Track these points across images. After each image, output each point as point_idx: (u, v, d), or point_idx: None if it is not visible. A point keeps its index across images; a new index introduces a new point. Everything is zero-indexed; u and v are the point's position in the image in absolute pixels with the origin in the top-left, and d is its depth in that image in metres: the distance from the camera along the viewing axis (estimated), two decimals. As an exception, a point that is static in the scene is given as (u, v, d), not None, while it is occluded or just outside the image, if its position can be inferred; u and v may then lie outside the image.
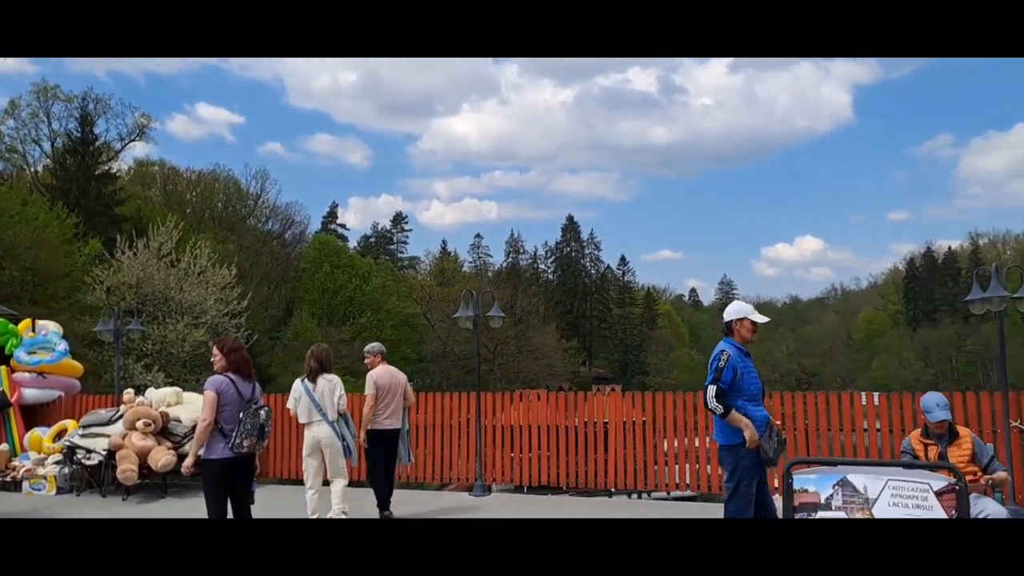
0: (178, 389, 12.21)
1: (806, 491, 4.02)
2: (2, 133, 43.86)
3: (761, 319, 6.10)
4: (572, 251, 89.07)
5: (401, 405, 8.69)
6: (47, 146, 44.96)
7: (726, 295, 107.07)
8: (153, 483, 10.86)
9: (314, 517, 7.85)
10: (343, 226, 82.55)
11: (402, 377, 8.82)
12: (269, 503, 9.08)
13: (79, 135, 42.12)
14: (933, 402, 5.95)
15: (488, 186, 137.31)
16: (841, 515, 3.92)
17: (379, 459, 8.53)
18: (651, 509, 10.02)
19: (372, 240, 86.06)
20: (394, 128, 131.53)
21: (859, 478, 3.88)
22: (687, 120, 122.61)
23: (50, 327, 13.93)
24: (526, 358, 56.40)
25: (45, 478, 11.27)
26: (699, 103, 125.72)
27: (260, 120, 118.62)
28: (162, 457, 10.37)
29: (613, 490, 11.62)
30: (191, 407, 11.13)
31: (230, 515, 6.05)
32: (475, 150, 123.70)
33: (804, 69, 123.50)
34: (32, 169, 45.04)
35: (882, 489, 3.79)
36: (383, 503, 8.51)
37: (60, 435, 11.92)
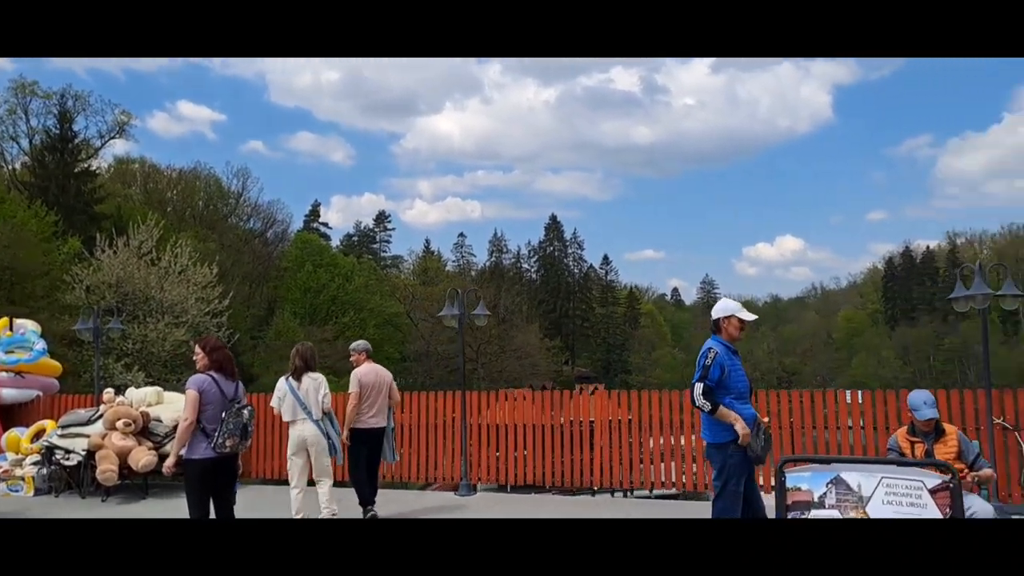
0: (159, 388, 12.08)
1: (799, 489, 3.99)
2: (-21, 130, 43.28)
3: (749, 317, 6.08)
4: (555, 250, 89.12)
5: (386, 404, 8.64)
6: (25, 143, 44.43)
7: (708, 294, 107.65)
8: (133, 484, 10.73)
9: (299, 517, 7.78)
10: (325, 225, 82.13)
11: (387, 375, 8.76)
12: (253, 503, 8.99)
13: (58, 132, 41.58)
14: (921, 400, 5.96)
15: (471, 185, 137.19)
16: (835, 514, 3.90)
17: (361, 458, 8.47)
18: (636, 508, 10.00)
19: (355, 239, 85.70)
20: (377, 127, 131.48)
21: (853, 476, 3.85)
22: (669, 120, 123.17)
23: (28, 326, 13.74)
24: (509, 357, 56.33)
25: (23, 479, 11.11)
26: (681, 103, 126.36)
27: (242, 118, 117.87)
28: (143, 457, 10.24)
29: (596, 489, 11.61)
30: (172, 407, 11.01)
31: (213, 516, 5.97)
32: (458, 149, 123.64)
33: (785, 70, 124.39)
34: (10, 166, 44.46)
35: (876, 487, 3.76)
36: (364, 500, 8.44)
37: (38, 435, 11.74)
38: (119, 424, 10.53)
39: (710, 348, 5.90)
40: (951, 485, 3.69)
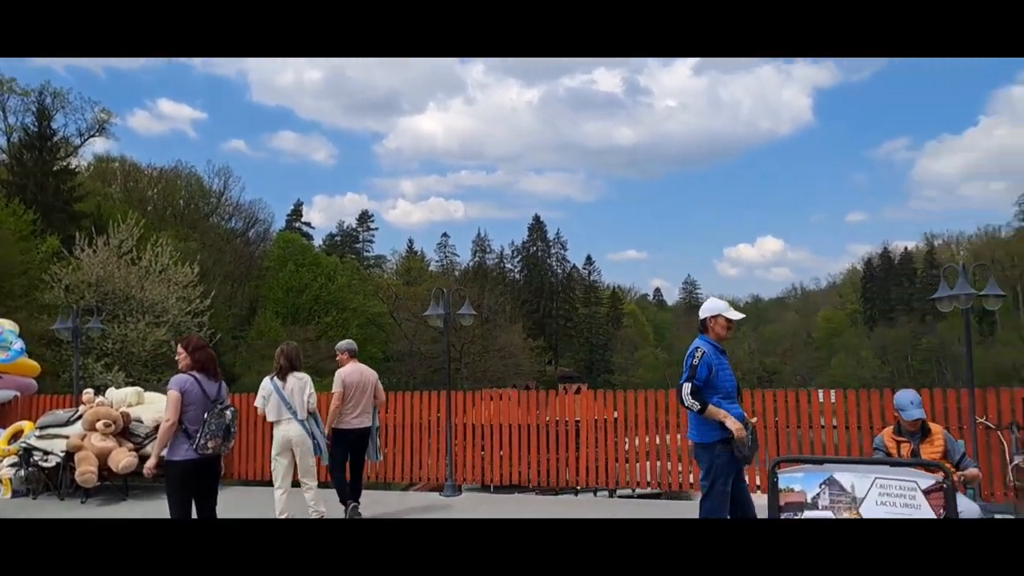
0: (139, 389, 11.94)
1: (792, 490, 3.96)
2: (-45, 127, 42.69)
3: (736, 316, 6.08)
4: (538, 251, 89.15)
5: (371, 404, 8.58)
6: (2, 140, 43.89)
7: (690, 295, 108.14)
8: (113, 485, 10.60)
9: (283, 517, 7.70)
10: (308, 224, 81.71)
11: (372, 375, 8.69)
12: (236, 505, 8.88)
13: (36, 130, 41.01)
14: (907, 400, 5.96)
15: (455, 185, 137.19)
16: (828, 515, 3.88)
17: (342, 458, 8.42)
18: (623, 508, 9.99)
19: (338, 239, 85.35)
20: (360, 126, 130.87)
21: (846, 477, 3.83)
22: (652, 121, 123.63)
23: (6, 326, 13.53)
24: (493, 357, 56.27)
25: (0, 481, 10.93)
26: (663, 105, 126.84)
27: (223, 117, 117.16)
28: (123, 459, 10.11)
29: (579, 488, 11.60)
30: (153, 407, 10.89)
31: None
32: (442, 149, 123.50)
33: (766, 72, 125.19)
34: (-13, 164, 43.86)
35: (869, 488, 3.74)
36: (344, 498, 8.37)
37: (16, 436, 11.57)
38: (99, 425, 10.40)
39: (697, 347, 5.88)
40: (944, 486, 3.68)
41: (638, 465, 10.57)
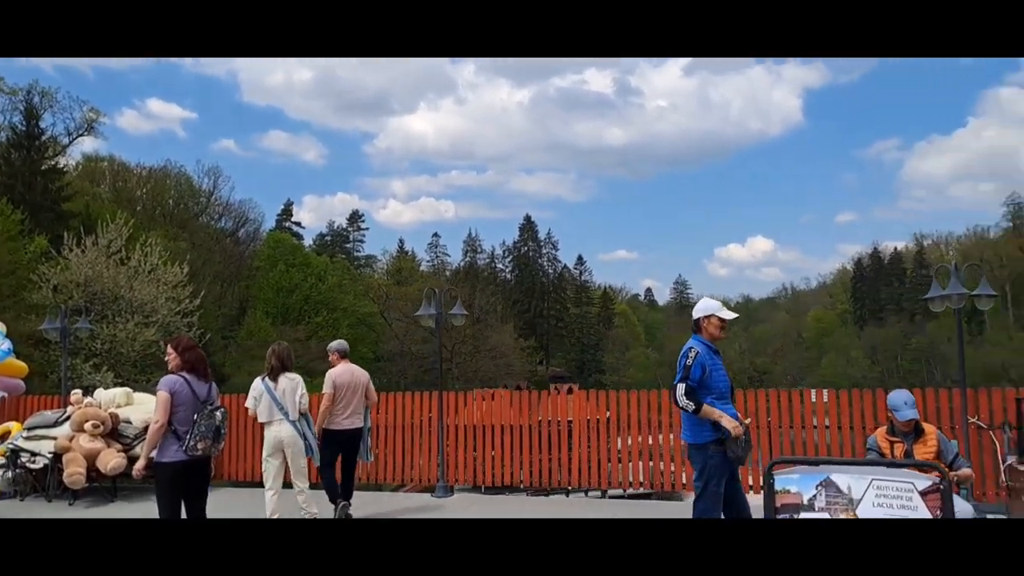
0: (128, 390, 11.84)
1: (788, 492, 3.94)
2: (-58, 126, 42.35)
3: (729, 315, 6.05)
4: (529, 251, 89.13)
5: (362, 404, 8.53)
6: (-10, 140, 43.54)
7: (681, 295, 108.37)
8: (102, 487, 10.51)
9: (274, 519, 7.64)
10: (298, 224, 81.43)
11: (363, 376, 8.64)
12: (226, 507, 8.82)
13: (24, 129, 40.78)
14: (901, 400, 5.95)
15: (445, 185, 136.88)
16: (825, 516, 3.85)
17: (332, 458, 8.37)
18: (618, 508, 9.97)
19: (328, 239, 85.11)
20: (350, 126, 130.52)
21: (843, 478, 3.81)
22: (642, 122, 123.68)
23: (-7, 326, 13.41)
24: (484, 357, 56.22)
25: (-13, 483, 10.83)
26: (654, 105, 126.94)
27: (213, 116, 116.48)
28: (111, 460, 10.03)
29: (570, 489, 11.57)
30: (142, 408, 10.80)
31: (185, 520, 5.83)
32: (432, 149, 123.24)
33: (756, 73, 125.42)
34: (-26, 164, 43.52)
35: (866, 489, 3.72)
36: (334, 497, 8.33)
37: (3, 437, 11.46)
38: (87, 426, 10.31)
39: (691, 348, 5.86)
40: (941, 487, 3.67)
41: (630, 465, 10.56)
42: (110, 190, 50.79)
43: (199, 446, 5.69)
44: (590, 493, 12.78)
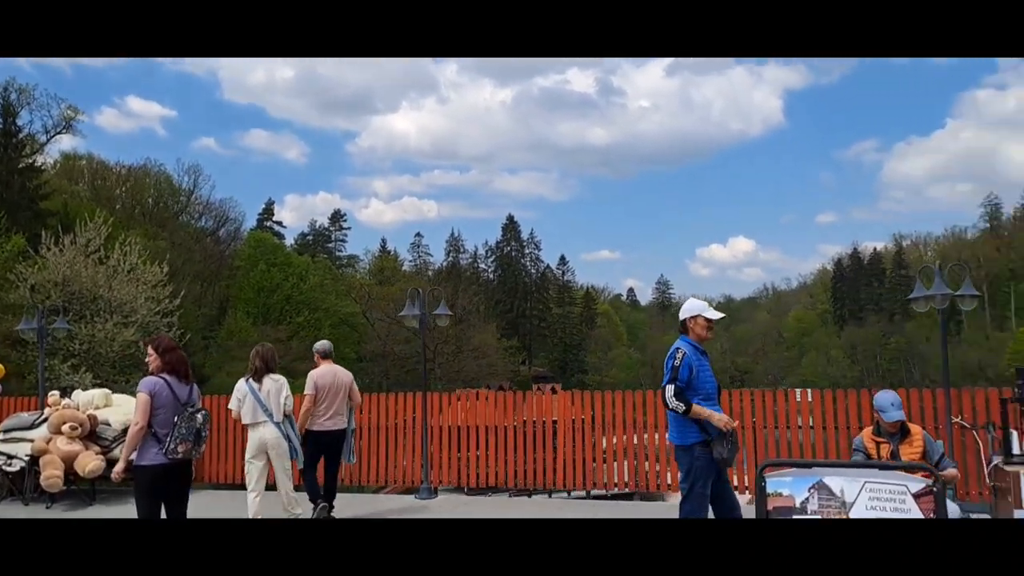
0: (107, 391, 11.66)
1: (780, 494, 3.90)
2: (-84, 123, 41.67)
3: (715, 315, 6.03)
4: (512, 250, 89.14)
5: (345, 406, 8.45)
6: (-35, 137, 42.93)
7: (663, 295, 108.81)
8: (80, 490, 10.35)
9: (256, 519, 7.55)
10: (279, 223, 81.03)
11: (346, 377, 8.56)
12: (208, 509, 8.68)
13: (1, 126, 40.29)
14: (888, 401, 5.96)
15: (428, 185, 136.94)
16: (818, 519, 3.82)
17: (314, 460, 8.29)
18: (599, 508, 9.93)
19: (310, 238, 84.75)
20: (332, 125, 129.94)
21: (836, 480, 3.78)
22: (625, 122, 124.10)
23: (-32, 326, 13.20)
24: (466, 357, 56.09)
25: (-38, 486, 10.64)
26: (636, 105, 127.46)
27: (193, 114, 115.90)
28: (89, 463, 9.88)
29: (553, 489, 11.53)
30: (121, 409, 10.65)
31: (165, 524, 5.72)
32: (415, 148, 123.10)
33: (737, 74, 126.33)
34: (-51, 161, 42.92)
35: (859, 492, 3.69)
36: (315, 497, 8.25)
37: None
38: (65, 428, 10.14)
39: (678, 348, 5.83)
40: (935, 489, 3.65)
41: (615, 465, 10.53)
42: (89, 189, 50.29)
43: (179, 449, 5.59)
44: (573, 493, 12.76)
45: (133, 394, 6.15)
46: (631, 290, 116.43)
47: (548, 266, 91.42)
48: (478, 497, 11.66)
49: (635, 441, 10.32)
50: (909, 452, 5.91)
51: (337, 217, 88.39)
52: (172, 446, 5.56)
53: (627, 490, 11.36)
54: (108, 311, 26.31)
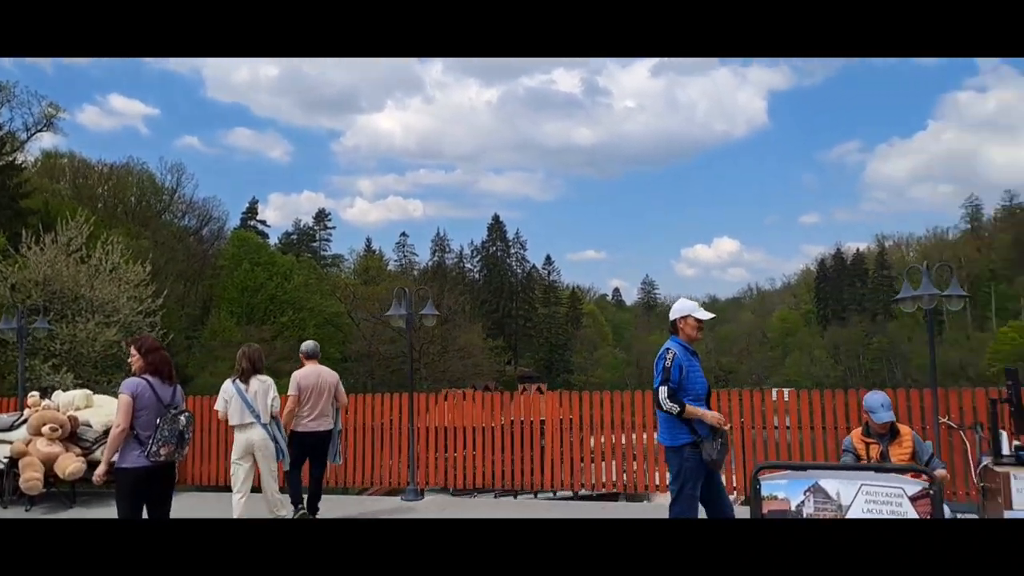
0: (88, 392, 11.50)
1: (775, 498, 3.86)
2: None
3: (705, 316, 6.01)
4: (498, 250, 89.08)
5: (329, 407, 8.37)
6: (-57, 134, 42.40)
7: (648, 295, 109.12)
8: (60, 492, 10.19)
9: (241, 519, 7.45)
10: (263, 223, 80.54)
11: (331, 378, 8.48)
12: (191, 512, 8.55)
13: (-20, 124, 39.87)
14: (878, 403, 5.94)
15: (413, 184, 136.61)
16: (814, 523, 3.79)
17: (299, 461, 8.22)
18: (586, 509, 9.89)
19: (294, 237, 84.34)
20: (316, 123, 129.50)
21: (831, 483, 3.74)
22: (610, 122, 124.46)
23: (-54, 326, 12.97)
24: (452, 357, 56.00)
25: (-61, 489, 10.45)
26: (622, 105, 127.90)
27: (176, 113, 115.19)
28: (70, 465, 9.73)
29: (539, 490, 11.49)
30: (102, 410, 10.50)
31: (148, 528, 5.61)
32: (400, 148, 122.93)
33: (722, 75, 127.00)
34: (-72, 158, 42.36)
35: (856, 494, 3.66)
36: (297, 501, 8.18)
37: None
38: (45, 429, 9.98)
39: (667, 349, 5.80)
40: (931, 492, 3.62)
41: (603, 465, 10.49)
42: (70, 187, 49.78)
43: (162, 452, 5.50)
44: (559, 494, 12.72)
45: (115, 395, 6.04)
46: (616, 290, 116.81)
47: (534, 266, 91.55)
48: (464, 498, 11.59)
49: (623, 441, 10.28)
50: (899, 453, 5.90)
51: (322, 216, 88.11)
52: (154, 449, 5.47)
53: (614, 491, 11.33)
54: (90, 310, 26.01)
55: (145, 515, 5.63)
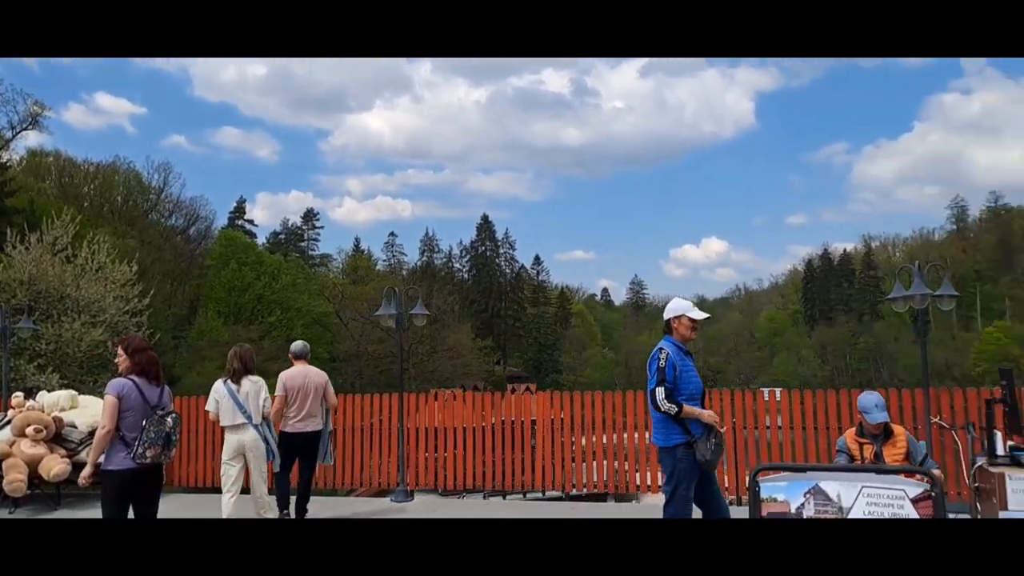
0: (73, 392, 11.36)
1: (775, 500, 3.81)
2: None
3: (699, 315, 5.99)
4: (487, 250, 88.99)
5: (317, 407, 8.29)
6: (-72, 132, 42.04)
7: (637, 295, 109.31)
8: (44, 494, 10.06)
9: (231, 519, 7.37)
10: (251, 222, 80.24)
11: (319, 378, 8.40)
12: (178, 513, 8.47)
13: (-37, 121, 39.48)
14: (872, 403, 5.93)
15: (402, 184, 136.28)
16: (815, 526, 3.74)
17: (287, 462, 8.13)
18: (577, 509, 9.84)
19: (282, 237, 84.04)
20: (304, 123, 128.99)
21: (832, 485, 3.69)
22: (599, 122, 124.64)
23: (-72, 326, 12.80)
24: (441, 357, 55.86)
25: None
26: (611, 106, 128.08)
27: (163, 112, 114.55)
28: (55, 466, 9.61)
29: (528, 490, 11.44)
30: (88, 411, 10.37)
31: (134, 531, 5.52)
32: (388, 147, 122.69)
33: (710, 75, 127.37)
34: (-89, 157, 41.94)
35: (857, 497, 3.62)
36: (284, 505, 8.12)
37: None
38: (29, 431, 9.86)
39: (661, 349, 5.77)
40: (933, 494, 3.58)
41: (594, 465, 10.45)
42: (56, 186, 49.38)
43: (148, 453, 5.41)
44: (547, 494, 12.68)
45: (101, 396, 5.94)
46: (605, 290, 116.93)
47: (523, 266, 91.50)
48: (453, 499, 11.53)
49: (614, 441, 10.24)
50: (893, 453, 5.89)
51: (310, 216, 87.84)
52: (140, 451, 5.38)
53: (605, 491, 11.29)
54: (76, 310, 25.79)
55: (131, 516, 5.55)
